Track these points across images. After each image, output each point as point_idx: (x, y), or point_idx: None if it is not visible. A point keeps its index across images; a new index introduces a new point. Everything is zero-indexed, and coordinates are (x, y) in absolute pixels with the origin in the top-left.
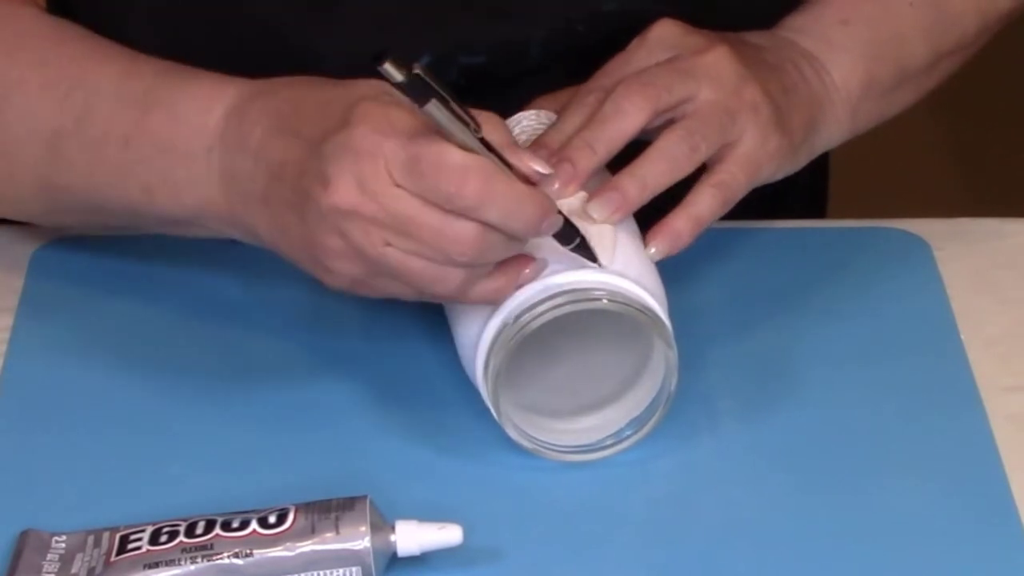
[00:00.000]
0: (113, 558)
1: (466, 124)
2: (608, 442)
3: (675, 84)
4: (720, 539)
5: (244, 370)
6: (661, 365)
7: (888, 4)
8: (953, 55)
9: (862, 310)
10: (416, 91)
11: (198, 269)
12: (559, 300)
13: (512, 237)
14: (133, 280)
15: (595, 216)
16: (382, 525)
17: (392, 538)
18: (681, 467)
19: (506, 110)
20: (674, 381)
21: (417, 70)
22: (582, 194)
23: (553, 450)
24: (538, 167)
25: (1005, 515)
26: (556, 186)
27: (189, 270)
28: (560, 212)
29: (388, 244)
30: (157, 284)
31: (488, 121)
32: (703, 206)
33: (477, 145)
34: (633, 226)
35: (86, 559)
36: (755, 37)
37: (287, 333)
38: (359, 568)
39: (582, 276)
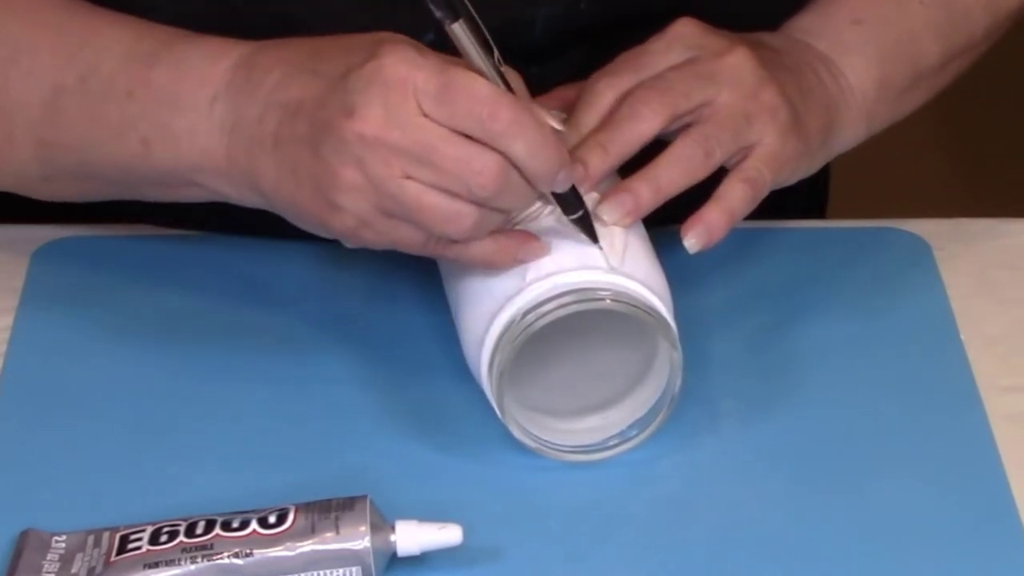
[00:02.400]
0: (113, 558)
1: (490, 52)
2: (612, 442)
3: (694, 89)
4: (721, 539)
5: (244, 370)
6: (665, 366)
7: (900, 3)
8: (964, 54)
9: (862, 310)
10: (446, 7)
11: (198, 269)
12: (566, 299)
13: (530, 179)
14: (133, 280)
15: (606, 218)
16: (382, 525)
17: (392, 538)
18: (682, 467)
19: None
20: (678, 382)
21: None
22: (594, 195)
23: (557, 450)
24: (553, 122)
25: (1005, 515)
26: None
27: (189, 270)
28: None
29: (408, 176)
30: (157, 284)
31: (508, 74)
32: (735, 200)
33: (497, 76)
34: (640, 228)
35: (86, 559)
36: (770, 38)
37: (287, 333)
38: (359, 568)
39: (590, 276)
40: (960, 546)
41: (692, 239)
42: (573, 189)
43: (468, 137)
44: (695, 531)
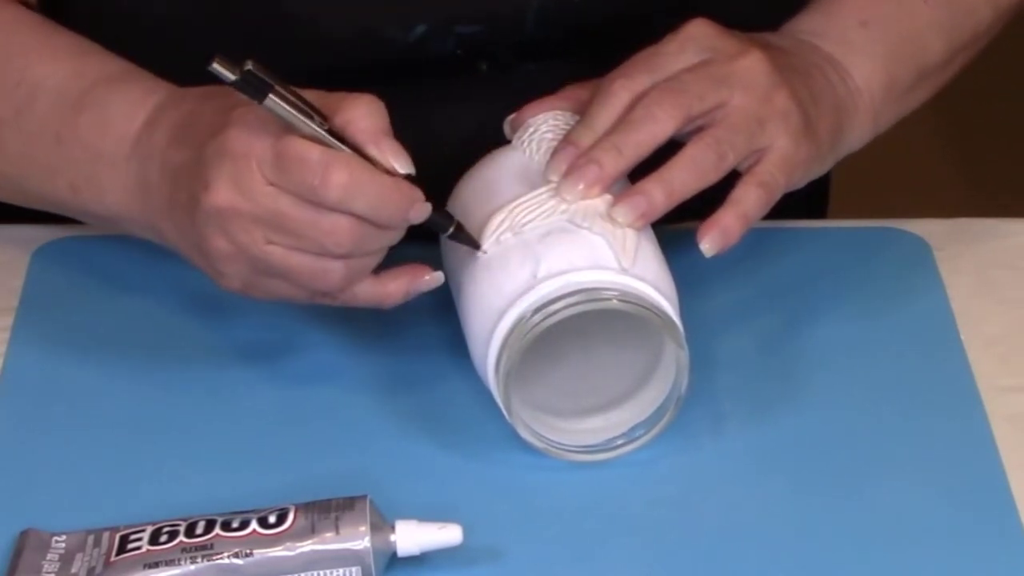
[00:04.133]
0: (113, 558)
1: (310, 116)
2: (618, 442)
3: (708, 92)
4: (722, 539)
5: (244, 370)
6: (672, 366)
7: (904, 2)
8: (967, 49)
9: (862, 310)
10: (252, 88)
11: (198, 269)
12: (575, 299)
13: (383, 227)
14: (133, 280)
15: (620, 220)
16: (382, 525)
17: (392, 538)
18: (682, 468)
19: (506, 90)
20: (685, 382)
21: (249, 67)
22: (607, 197)
23: (563, 450)
24: (396, 161)
25: (1005, 515)
26: (581, 186)
27: (189, 270)
28: (429, 201)
29: (270, 242)
30: (157, 284)
31: (364, 105)
32: (750, 204)
33: (326, 136)
34: (648, 229)
35: (86, 559)
36: (778, 39)
37: (287, 332)
38: (359, 568)
39: (601, 276)
40: (960, 546)
41: (708, 243)
42: (433, 213)
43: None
44: (696, 532)
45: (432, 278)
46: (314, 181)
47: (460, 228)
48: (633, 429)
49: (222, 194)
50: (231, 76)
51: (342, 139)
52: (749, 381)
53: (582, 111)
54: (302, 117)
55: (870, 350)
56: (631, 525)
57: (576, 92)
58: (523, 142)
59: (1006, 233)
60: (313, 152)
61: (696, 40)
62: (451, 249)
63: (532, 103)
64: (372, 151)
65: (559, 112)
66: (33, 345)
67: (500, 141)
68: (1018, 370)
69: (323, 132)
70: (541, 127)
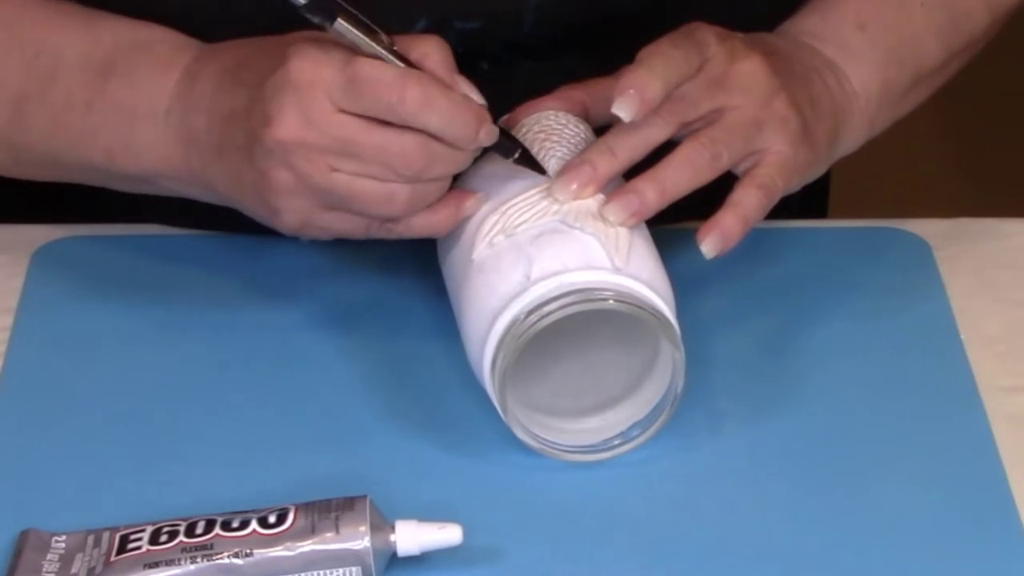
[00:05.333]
0: (113, 558)
1: (378, 39)
2: (615, 442)
3: (704, 96)
4: (721, 539)
5: (244, 370)
6: (668, 366)
7: (902, 6)
8: (964, 52)
9: (862, 310)
10: (321, 10)
11: (198, 268)
12: (570, 299)
13: (453, 146)
14: (133, 280)
15: (611, 219)
16: (382, 525)
17: (392, 538)
18: (681, 468)
19: (506, 88)
20: (681, 382)
21: None
22: (600, 197)
23: (559, 450)
24: (470, 92)
25: (1005, 515)
26: (574, 187)
27: (189, 270)
28: (496, 124)
29: (335, 170)
30: (157, 284)
31: (435, 42)
32: (750, 206)
33: (394, 59)
34: (643, 228)
35: (86, 559)
36: (777, 41)
37: (287, 332)
38: (359, 568)
39: (595, 276)
40: (960, 546)
41: (708, 245)
42: (502, 134)
43: (385, 121)
44: (695, 531)
45: (476, 200)
46: (391, 97)
47: (526, 153)
48: (630, 429)
49: (287, 126)
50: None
51: (412, 64)
52: (747, 380)
53: (576, 111)
54: (370, 40)
55: (870, 350)
56: (630, 524)
57: (570, 92)
58: None
59: (1006, 233)
60: (387, 71)
61: (696, 43)
62: (447, 253)
63: (526, 104)
64: (448, 80)
65: (552, 112)
66: (33, 345)
67: None
68: (1018, 370)
69: (391, 54)
70: (534, 127)
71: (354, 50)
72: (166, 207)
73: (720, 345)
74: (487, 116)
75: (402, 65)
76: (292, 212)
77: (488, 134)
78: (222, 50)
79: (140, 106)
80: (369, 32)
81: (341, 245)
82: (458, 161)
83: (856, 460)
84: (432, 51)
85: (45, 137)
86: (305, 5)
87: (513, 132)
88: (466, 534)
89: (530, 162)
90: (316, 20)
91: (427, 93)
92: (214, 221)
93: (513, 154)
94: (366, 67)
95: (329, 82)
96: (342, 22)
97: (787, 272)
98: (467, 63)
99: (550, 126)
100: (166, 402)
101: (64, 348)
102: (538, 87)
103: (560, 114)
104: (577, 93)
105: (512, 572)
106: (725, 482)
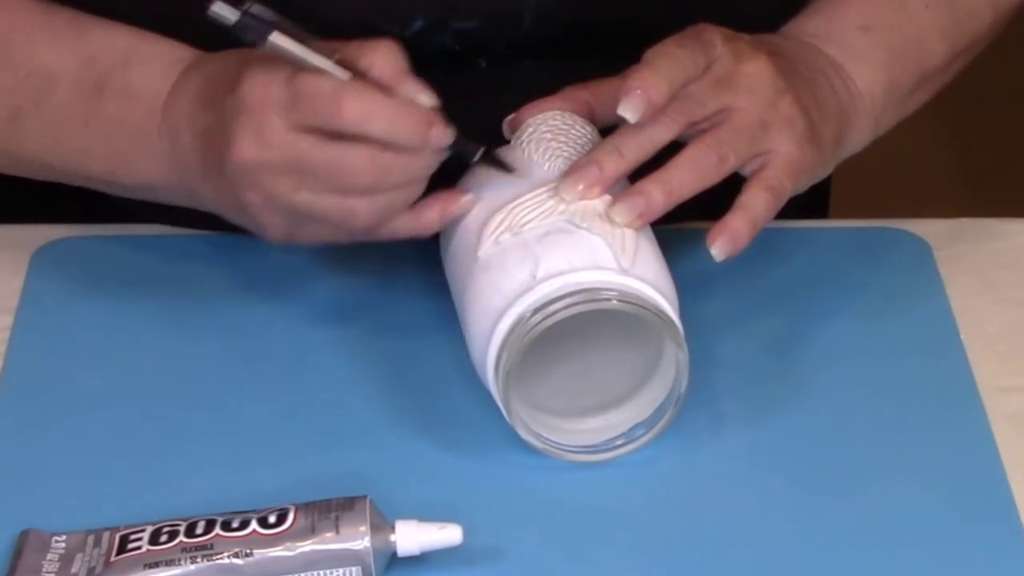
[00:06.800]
0: (113, 558)
1: (320, 46)
2: (618, 442)
3: (711, 97)
4: (722, 539)
5: (244, 370)
6: (671, 366)
7: (905, 6)
8: (968, 51)
9: (862, 310)
10: (253, 29)
11: (198, 269)
12: (574, 299)
13: (403, 152)
14: (133, 280)
15: (618, 220)
16: (382, 525)
17: (392, 538)
18: (682, 468)
19: (505, 87)
20: (684, 382)
21: (248, 6)
22: (606, 197)
23: (562, 450)
24: (418, 94)
25: (1005, 515)
26: (580, 187)
27: (189, 270)
28: (452, 127)
29: (299, 188)
30: (157, 284)
31: (383, 48)
32: (759, 208)
33: (337, 68)
34: (648, 228)
35: (86, 559)
36: (781, 42)
37: (287, 332)
38: (359, 568)
39: (600, 276)
40: (960, 546)
41: (718, 248)
42: (459, 137)
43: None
44: (696, 532)
45: (466, 201)
46: (329, 110)
47: (488, 153)
48: (633, 429)
49: (245, 148)
50: (231, 18)
51: (361, 77)
52: (749, 381)
53: (581, 111)
54: (310, 51)
55: (870, 350)
56: (631, 525)
57: (575, 93)
58: (521, 142)
59: (1006, 233)
60: (325, 83)
61: (702, 43)
62: (450, 251)
63: (531, 103)
64: (392, 85)
65: (557, 112)
66: (33, 345)
67: (499, 138)
68: (1018, 370)
69: (332, 64)
70: (540, 127)
71: (299, 65)
72: (166, 208)
73: (721, 345)
74: (435, 118)
75: (344, 75)
76: (273, 227)
77: (440, 136)
78: (200, 66)
79: (136, 122)
80: (309, 43)
81: (341, 243)
82: (415, 166)
83: (856, 460)
84: (379, 60)
85: (42, 149)
86: (235, 25)
87: (518, 133)
88: (466, 534)
89: (494, 162)
90: (249, 38)
91: (364, 102)
92: (214, 221)
93: (473, 156)
94: (305, 82)
95: (277, 101)
96: (277, 37)
97: (788, 272)
98: (465, 61)
99: (556, 126)
100: (166, 402)
101: (64, 348)
102: (537, 85)
103: (566, 114)
104: (582, 94)
105: (512, 572)
106: (726, 482)
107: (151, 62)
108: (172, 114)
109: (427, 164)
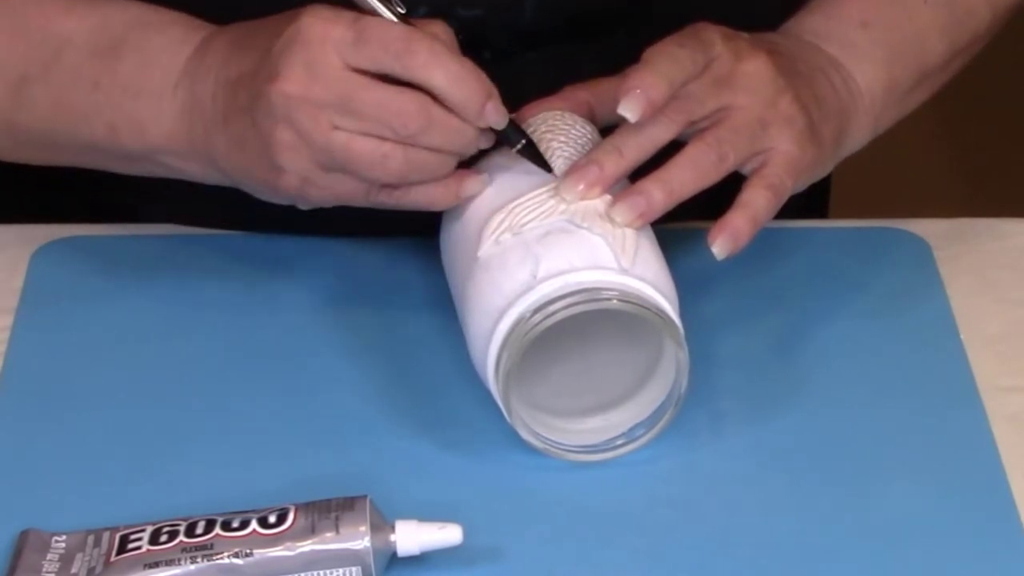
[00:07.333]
0: (113, 558)
1: (393, 8)
2: (618, 442)
3: (710, 96)
4: (722, 539)
5: (244, 369)
6: (671, 366)
7: (905, 4)
8: (967, 50)
9: (862, 310)
10: None
11: (198, 269)
12: (574, 299)
13: (456, 112)
14: (133, 280)
15: (618, 220)
16: (382, 525)
17: (392, 538)
18: (682, 467)
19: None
20: (685, 382)
21: None
22: (607, 197)
23: (562, 450)
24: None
25: (1005, 515)
26: (581, 187)
27: (189, 270)
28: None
29: (335, 127)
30: (157, 284)
31: (439, 25)
32: (759, 206)
33: (404, 25)
34: (649, 229)
35: (86, 559)
36: (781, 40)
37: (287, 331)
38: (359, 568)
39: (601, 276)
40: (960, 546)
41: (719, 246)
42: (511, 123)
43: (392, 81)
44: (696, 531)
45: (479, 180)
46: (398, 47)
47: (531, 145)
48: (633, 429)
49: (293, 80)
50: None
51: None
52: (749, 380)
53: (581, 111)
54: (382, 6)
55: (870, 350)
56: (631, 525)
57: (575, 93)
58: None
59: (1006, 233)
60: (395, 27)
61: (702, 42)
62: (450, 250)
63: (531, 103)
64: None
65: (557, 112)
66: (33, 345)
67: None
68: (1018, 370)
69: (403, 19)
70: (540, 126)
71: (368, 13)
72: (166, 207)
73: (721, 345)
74: (496, 93)
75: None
76: (293, 172)
77: (495, 111)
78: (233, 27)
79: (149, 83)
80: (386, 4)
81: (341, 243)
82: (459, 134)
83: (856, 460)
84: (440, 31)
85: (47, 117)
86: None
87: None
88: (466, 534)
89: (534, 156)
90: None
91: (434, 51)
92: (214, 220)
93: (517, 144)
94: (375, 24)
95: (339, 39)
96: None
97: (788, 272)
98: (469, 52)
99: (557, 126)
100: (166, 402)
101: (64, 348)
102: (540, 77)
103: (566, 114)
104: (582, 94)
105: (512, 572)
106: (726, 482)
107: (170, 25)
108: (193, 72)
109: (470, 139)
